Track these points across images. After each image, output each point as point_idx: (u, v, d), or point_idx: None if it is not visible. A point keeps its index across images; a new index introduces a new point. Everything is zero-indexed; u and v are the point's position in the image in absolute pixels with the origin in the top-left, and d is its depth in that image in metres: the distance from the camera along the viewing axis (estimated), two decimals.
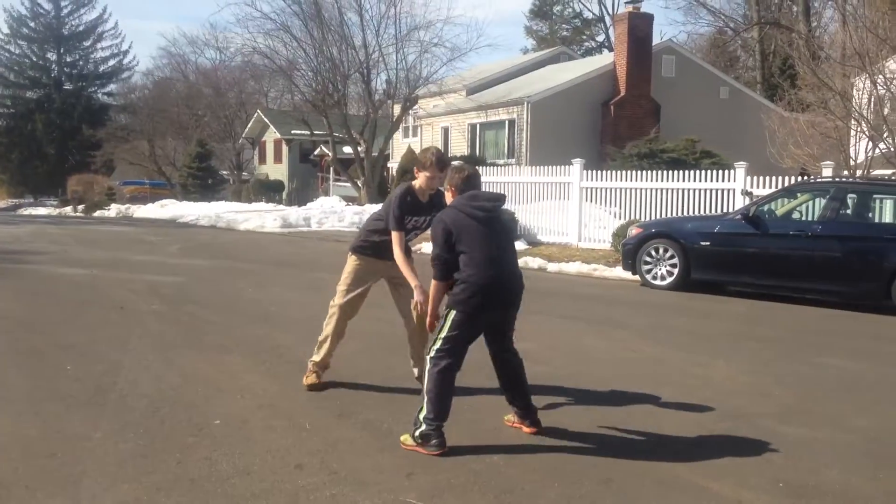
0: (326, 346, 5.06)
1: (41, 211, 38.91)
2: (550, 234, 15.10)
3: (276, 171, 40.92)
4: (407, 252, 4.92)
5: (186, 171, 38.10)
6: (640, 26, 24.88)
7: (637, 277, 10.53)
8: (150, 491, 3.35)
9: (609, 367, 5.91)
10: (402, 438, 3.97)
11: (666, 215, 13.26)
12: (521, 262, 12.92)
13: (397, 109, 28.58)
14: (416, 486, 3.48)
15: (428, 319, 4.22)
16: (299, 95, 31.26)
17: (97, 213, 32.72)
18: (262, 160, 43.65)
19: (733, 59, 43.84)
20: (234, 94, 41.62)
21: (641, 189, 13.94)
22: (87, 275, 10.47)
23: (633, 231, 10.82)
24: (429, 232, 4.27)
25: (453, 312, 3.95)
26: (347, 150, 29.69)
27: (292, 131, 37.03)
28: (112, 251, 13.74)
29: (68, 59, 57.69)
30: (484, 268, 3.93)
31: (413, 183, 4.89)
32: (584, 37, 53.90)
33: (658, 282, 10.20)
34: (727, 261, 9.76)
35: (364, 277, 5.07)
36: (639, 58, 24.86)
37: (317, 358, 5.07)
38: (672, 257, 10.09)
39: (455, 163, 4.33)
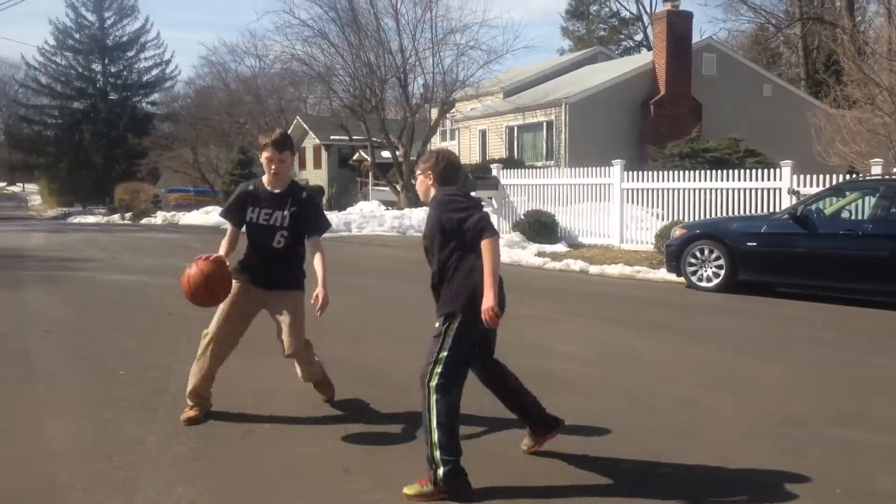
0: (197, 376, 4.34)
1: (90, 219, 39.77)
2: (591, 236, 15.00)
3: (316, 176, 41.29)
4: (269, 260, 4.35)
5: (229, 177, 38.59)
6: (679, 24, 24.60)
7: (682, 279, 10.40)
8: (203, 493, 3.41)
9: (656, 369, 5.84)
10: (407, 492, 3.39)
11: (710, 216, 13.08)
12: (562, 264, 12.87)
13: (434, 113, 28.67)
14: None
15: (491, 301, 3.28)
16: (337, 101, 31.54)
17: (144, 221, 33.34)
18: (302, 166, 44.10)
19: (776, 56, 43.11)
20: (273, 100, 42.14)
21: (684, 189, 13.77)
22: (137, 281, 10.67)
23: (677, 232, 10.70)
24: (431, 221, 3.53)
25: (455, 324, 3.41)
26: (386, 154, 29.87)
27: (331, 137, 37.36)
28: (160, 258, 13.98)
29: (113, 70, 58.92)
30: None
31: (263, 175, 4.40)
32: (622, 36, 53.45)
33: (704, 283, 10.06)
34: (775, 261, 9.59)
35: (242, 306, 4.36)
36: (678, 56, 24.58)
37: (190, 387, 4.37)
38: (718, 258, 9.94)
39: (438, 148, 3.85)
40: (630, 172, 14.67)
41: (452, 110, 28.71)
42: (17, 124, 61.30)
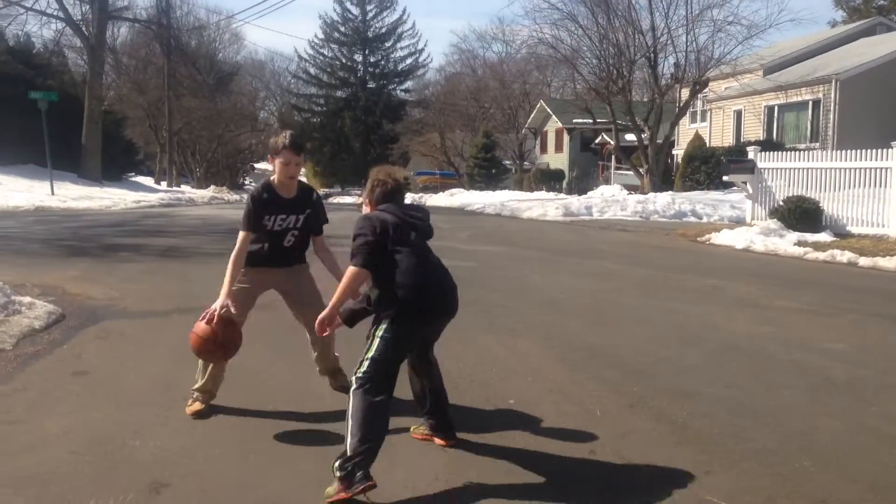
0: (209, 371, 4.20)
1: (347, 200, 43.05)
2: (862, 225, 13.56)
3: (557, 160, 41.40)
4: (283, 257, 4.28)
5: (473, 161, 39.99)
6: None
7: None
8: (454, 460, 3.56)
9: None
10: (326, 491, 3.17)
11: None
12: (826, 255, 11.80)
13: (685, 94, 27.45)
14: (714, 484, 3.32)
15: (327, 312, 3.49)
16: (582, 84, 31.27)
17: None
18: (543, 150, 44.41)
19: None
20: (518, 85, 42.80)
21: None
22: None
23: None
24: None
25: (383, 327, 3.37)
26: (630, 137, 29.15)
27: (574, 120, 37.21)
28: None
29: (372, 60, 63.08)
30: (422, 273, 3.42)
31: (271, 178, 4.24)
32: None
33: None
34: None
35: (248, 293, 4.26)
36: None
37: (199, 384, 4.23)
38: None
39: (377, 171, 3.71)
40: None
41: (705, 90, 27.28)
42: (288, 112, 67.74)
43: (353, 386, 3.32)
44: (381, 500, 3.12)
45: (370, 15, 62.47)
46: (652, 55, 26.56)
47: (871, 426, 4.06)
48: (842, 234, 13.46)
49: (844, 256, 11.22)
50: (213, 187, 39.90)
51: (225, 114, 44.71)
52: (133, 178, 37.80)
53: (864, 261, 10.95)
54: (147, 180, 40.49)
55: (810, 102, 23.91)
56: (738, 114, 27.82)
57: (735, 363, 5.36)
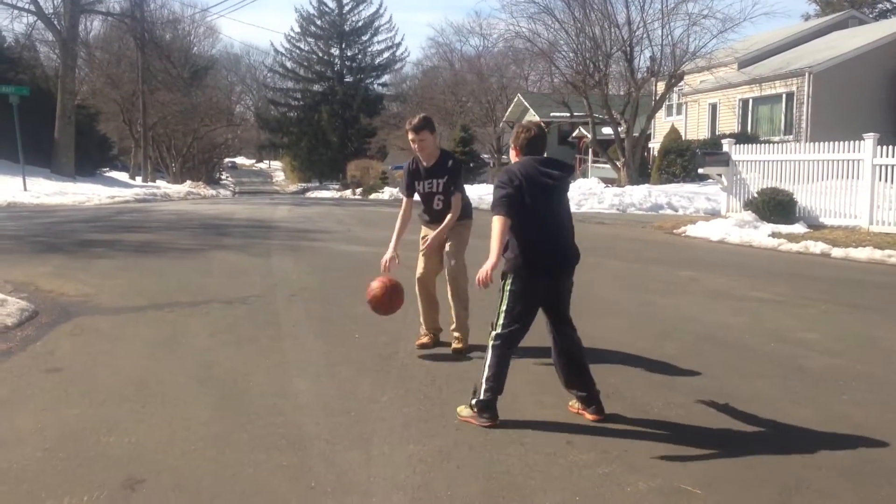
0: (422, 315, 5.52)
1: (325, 194, 42.93)
2: (834, 217, 13.74)
3: None
4: (436, 217, 5.43)
5: None
6: None
7: None
8: (432, 453, 3.56)
9: None
10: (458, 410, 3.99)
11: None
12: (800, 246, 11.92)
13: (661, 87, 27.61)
14: (688, 472, 3.36)
15: (489, 267, 3.72)
16: (559, 77, 31.40)
17: (372, 196, 35.41)
18: None
19: None
20: (495, 79, 42.82)
21: None
22: (369, 252, 11.32)
23: None
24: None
25: (510, 280, 3.84)
26: (607, 130, 29.28)
27: (551, 114, 37.26)
28: (389, 231, 14.52)
29: (349, 54, 62.85)
30: (540, 230, 3.82)
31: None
32: None
33: None
34: None
35: (430, 245, 5.48)
36: None
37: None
38: None
39: (523, 121, 4.11)
40: (885, 147, 13.21)
41: (680, 83, 27.46)
42: (265, 106, 67.31)
43: (492, 339, 3.86)
44: (359, 495, 3.13)
45: (347, 8, 62.22)
46: (628, 49, 26.69)
47: (842, 414, 4.13)
48: (815, 226, 13.63)
49: (817, 247, 11.37)
50: (189, 182, 39.57)
51: (200, 108, 44.32)
52: (107, 174, 37.34)
53: (836, 252, 11.10)
54: (122, 175, 40.03)
55: (784, 95, 24.15)
56: (714, 107, 28.05)
57: (710, 353, 5.42)
